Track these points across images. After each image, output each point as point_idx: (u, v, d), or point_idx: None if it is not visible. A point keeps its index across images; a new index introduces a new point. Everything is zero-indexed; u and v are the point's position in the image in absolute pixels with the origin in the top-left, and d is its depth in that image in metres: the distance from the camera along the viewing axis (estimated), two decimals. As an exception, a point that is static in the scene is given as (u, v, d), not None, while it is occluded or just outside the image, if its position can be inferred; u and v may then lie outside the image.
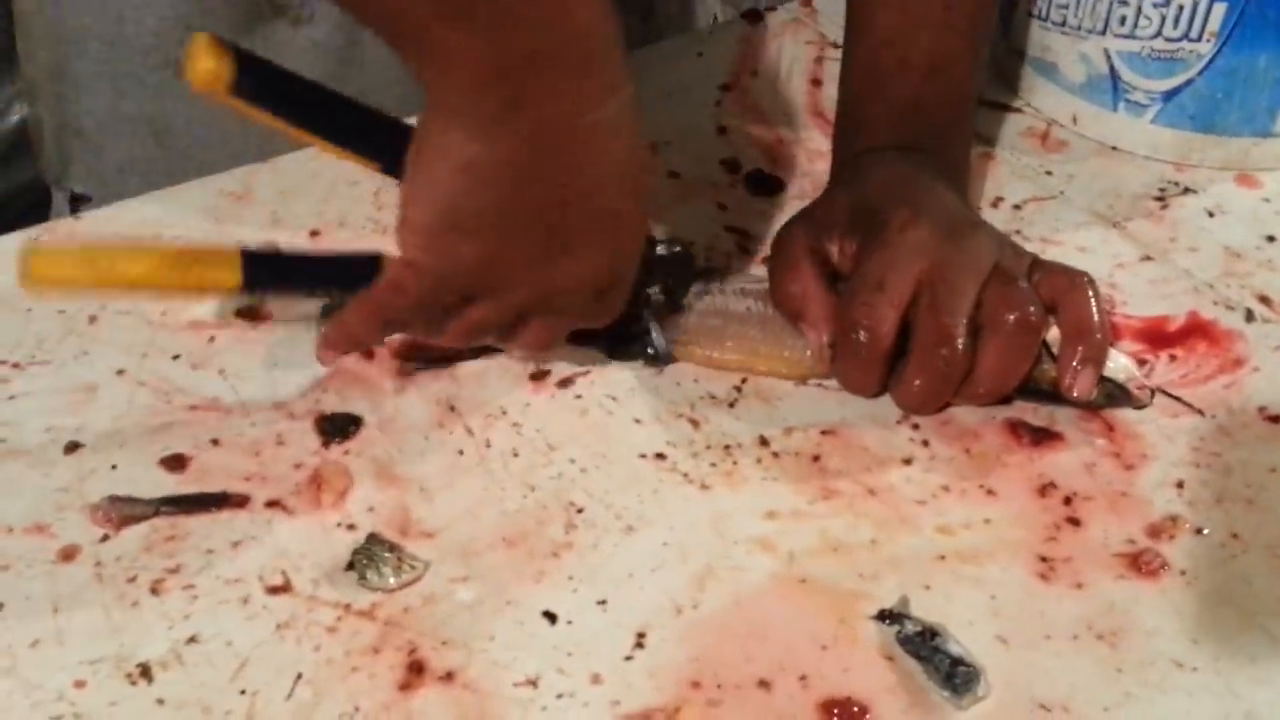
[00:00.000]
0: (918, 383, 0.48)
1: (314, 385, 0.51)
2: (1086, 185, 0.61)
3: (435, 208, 0.42)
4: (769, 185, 0.61)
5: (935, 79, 0.55)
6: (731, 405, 0.51)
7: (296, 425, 0.49)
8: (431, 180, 0.42)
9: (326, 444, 0.49)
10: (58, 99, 0.67)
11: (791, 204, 0.60)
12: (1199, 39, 0.58)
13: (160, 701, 0.41)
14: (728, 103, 0.66)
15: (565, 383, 0.51)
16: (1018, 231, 0.58)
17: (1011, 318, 0.48)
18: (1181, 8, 0.58)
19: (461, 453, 0.48)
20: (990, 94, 0.67)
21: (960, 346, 0.47)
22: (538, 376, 0.51)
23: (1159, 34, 0.59)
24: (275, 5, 0.65)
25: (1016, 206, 0.60)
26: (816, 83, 0.67)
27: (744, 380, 0.51)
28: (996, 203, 0.60)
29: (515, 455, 0.48)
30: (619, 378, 0.51)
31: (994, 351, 0.48)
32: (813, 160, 0.62)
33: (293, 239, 0.57)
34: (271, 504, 0.46)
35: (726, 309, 0.52)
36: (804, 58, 0.69)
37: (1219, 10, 0.57)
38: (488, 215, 0.42)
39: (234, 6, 0.64)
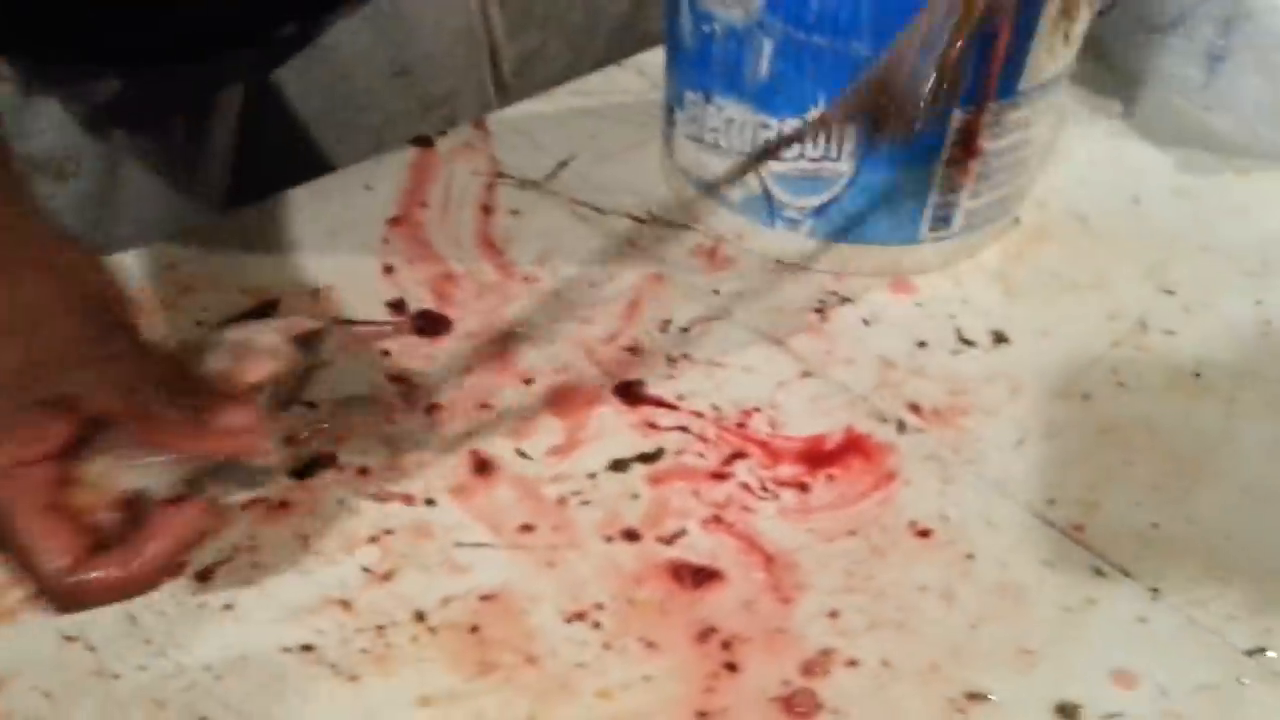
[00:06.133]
0: None
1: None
2: (751, 303, 0.63)
3: None
4: (436, 326, 0.60)
5: None
6: (386, 578, 0.49)
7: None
8: None
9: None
10: None
11: (460, 343, 0.59)
12: (838, 159, 0.60)
13: None
14: (395, 239, 0.65)
15: (205, 575, 0.48)
16: (685, 355, 0.59)
17: None
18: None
19: (75, 671, 0.45)
20: (662, 212, 0.68)
21: None
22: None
23: (801, 155, 0.61)
24: (34, 161, 0.61)
25: (684, 329, 0.61)
26: (487, 210, 0.66)
27: (402, 556, 0.49)
28: (664, 326, 0.61)
29: (142, 669, 0.45)
30: (265, 563, 0.49)
31: None
32: (482, 295, 0.61)
33: None
34: None
35: None
36: (474, 186, 0.68)
37: (851, 130, 0.59)
38: None
39: None
